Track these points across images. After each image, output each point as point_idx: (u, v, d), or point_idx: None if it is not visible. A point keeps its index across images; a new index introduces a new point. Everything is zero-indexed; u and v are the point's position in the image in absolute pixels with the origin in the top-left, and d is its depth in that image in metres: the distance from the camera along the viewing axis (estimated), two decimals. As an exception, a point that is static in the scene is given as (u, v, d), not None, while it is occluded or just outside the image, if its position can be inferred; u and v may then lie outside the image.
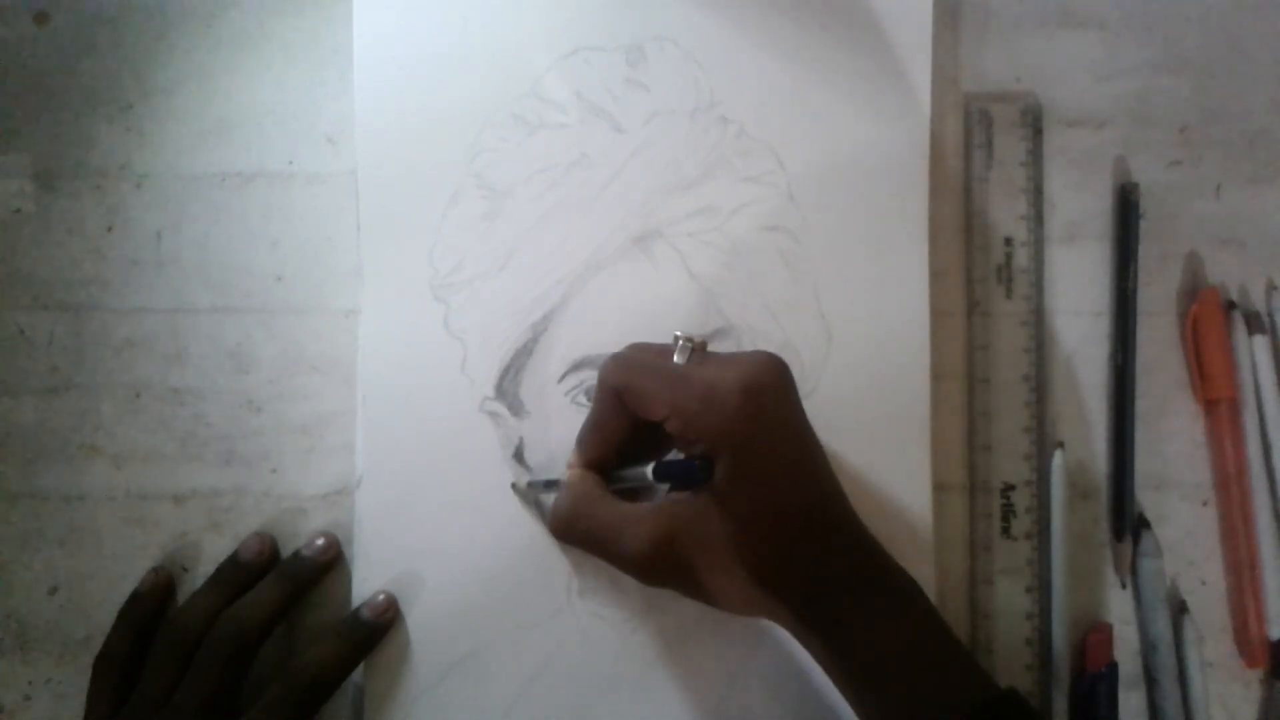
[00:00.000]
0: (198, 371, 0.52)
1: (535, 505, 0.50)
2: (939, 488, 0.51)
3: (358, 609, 0.49)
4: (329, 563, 0.50)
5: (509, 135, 0.51)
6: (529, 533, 0.50)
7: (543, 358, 0.51)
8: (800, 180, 0.51)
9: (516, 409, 0.51)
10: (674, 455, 0.47)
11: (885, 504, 0.50)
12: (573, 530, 0.47)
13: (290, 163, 0.53)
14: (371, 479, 0.50)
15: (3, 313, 0.52)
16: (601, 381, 0.46)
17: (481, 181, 0.51)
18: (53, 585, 0.51)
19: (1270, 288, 0.53)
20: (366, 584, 0.50)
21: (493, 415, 0.51)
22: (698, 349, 0.45)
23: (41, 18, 0.53)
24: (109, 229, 0.52)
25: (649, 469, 0.44)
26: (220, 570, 0.50)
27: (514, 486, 0.50)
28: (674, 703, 0.49)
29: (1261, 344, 0.52)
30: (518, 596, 0.50)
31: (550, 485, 0.49)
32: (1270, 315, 0.53)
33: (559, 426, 0.50)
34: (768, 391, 0.43)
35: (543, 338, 0.51)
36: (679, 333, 0.45)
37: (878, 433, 0.51)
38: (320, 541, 0.50)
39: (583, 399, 0.50)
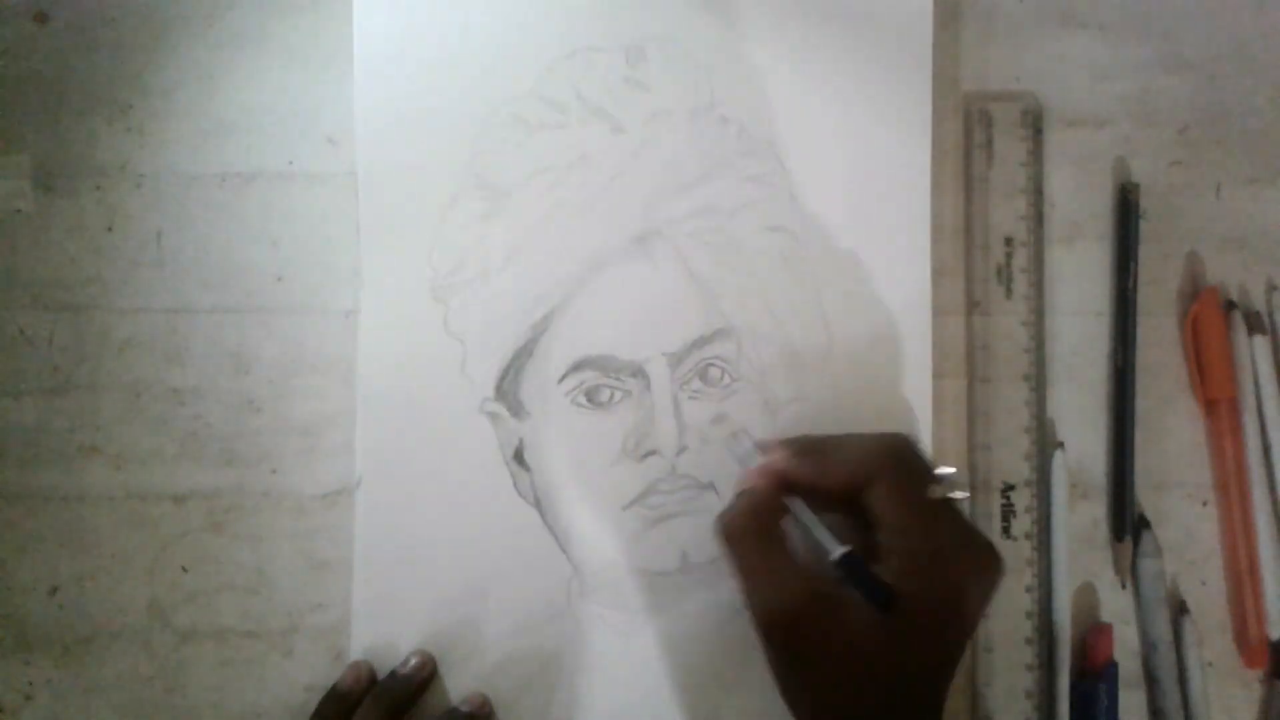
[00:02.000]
0: (198, 371, 0.52)
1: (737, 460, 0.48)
2: (939, 488, 0.51)
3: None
4: (425, 680, 0.49)
5: (509, 135, 0.51)
6: (529, 533, 0.50)
7: (543, 358, 0.51)
8: (801, 180, 0.51)
9: (516, 410, 0.51)
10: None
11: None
12: (732, 540, 0.44)
13: (290, 163, 0.53)
14: (371, 479, 0.50)
15: (3, 313, 0.52)
16: (866, 449, 0.44)
17: (481, 181, 0.51)
18: (53, 585, 0.51)
19: (1270, 288, 0.53)
20: (367, 584, 0.50)
21: (492, 416, 0.51)
22: (955, 498, 0.44)
23: (41, 18, 0.53)
24: (109, 229, 0.52)
25: (837, 551, 0.43)
26: (322, 705, 0.49)
27: (738, 434, 0.49)
28: (674, 703, 0.49)
29: (1261, 344, 0.52)
30: (518, 596, 0.50)
31: (745, 454, 0.47)
32: (1270, 315, 0.53)
33: (559, 428, 0.50)
34: (983, 582, 0.43)
35: (543, 338, 0.51)
36: (954, 469, 0.45)
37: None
38: (415, 660, 0.49)
39: (583, 400, 0.50)
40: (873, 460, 0.44)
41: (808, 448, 0.46)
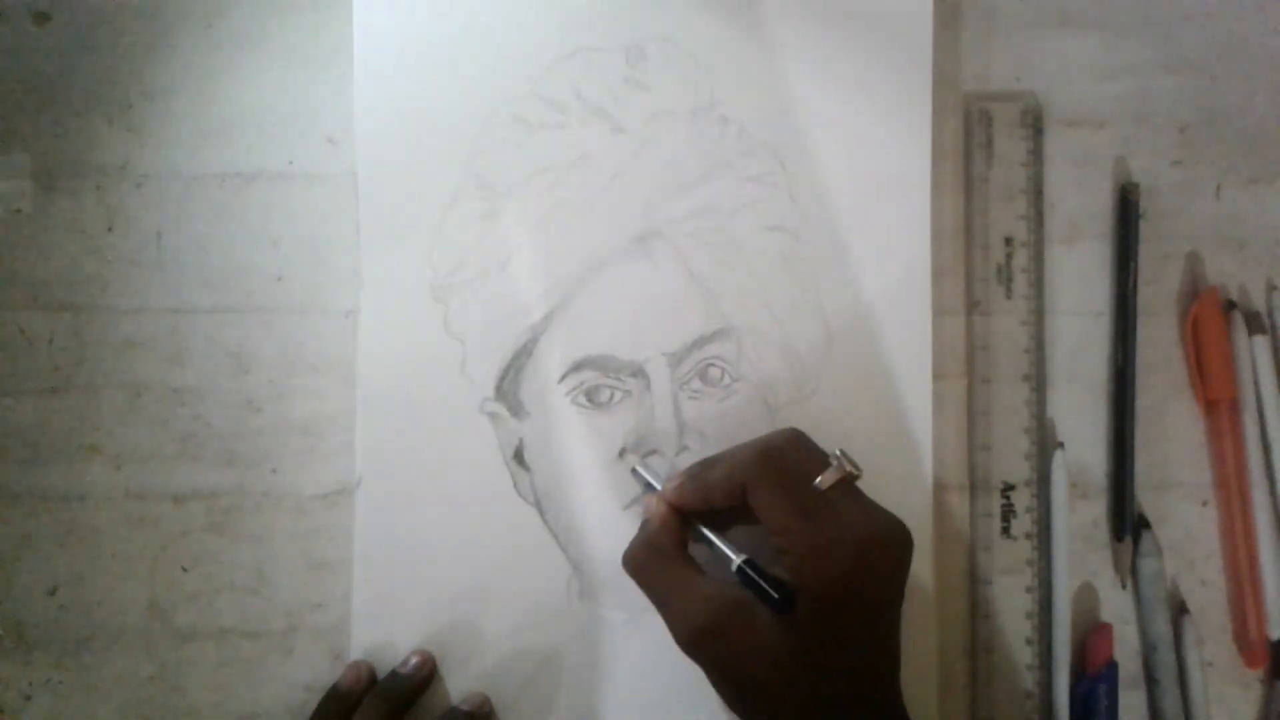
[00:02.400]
0: (198, 371, 0.52)
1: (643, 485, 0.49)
2: (939, 488, 0.51)
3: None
4: (425, 679, 0.49)
5: (509, 135, 0.51)
6: (529, 533, 0.50)
7: (543, 358, 0.51)
8: (801, 180, 0.51)
9: (516, 410, 0.51)
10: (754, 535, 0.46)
11: (885, 504, 0.50)
12: (637, 573, 0.46)
13: (290, 163, 0.53)
14: (371, 479, 0.50)
15: (3, 313, 0.52)
16: (738, 460, 0.45)
17: (481, 182, 0.51)
18: (53, 585, 0.51)
19: (1270, 288, 0.53)
20: (367, 584, 0.50)
21: (492, 416, 0.51)
22: (846, 479, 0.44)
23: (41, 18, 0.53)
24: (109, 229, 0.52)
25: (735, 561, 0.44)
26: (323, 704, 0.49)
27: (634, 470, 0.49)
28: (673, 703, 0.49)
29: (1261, 344, 0.52)
30: (518, 596, 0.50)
31: (647, 488, 0.48)
32: (1270, 315, 0.53)
33: (559, 428, 0.50)
34: (885, 564, 0.43)
35: (543, 338, 0.51)
36: (840, 451, 0.44)
37: (878, 433, 0.51)
38: (415, 660, 0.49)
39: (583, 400, 0.50)
40: (745, 468, 0.44)
41: (693, 470, 0.47)
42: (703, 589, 0.44)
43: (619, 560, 0.49)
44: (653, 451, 0.50)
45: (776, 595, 0.42)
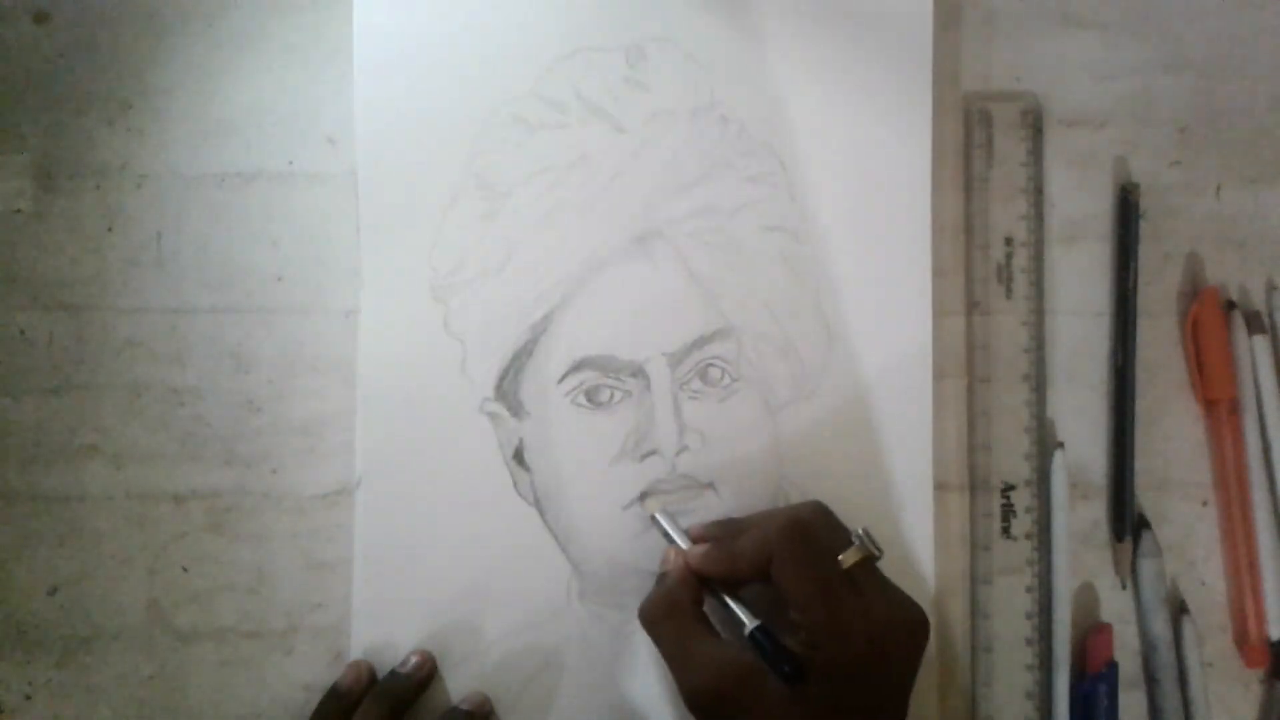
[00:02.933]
0: (198, 371, 0.52)
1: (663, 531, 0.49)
2: (939, 488, 0.51)
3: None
4: (425, 679, 0.49)
5: (509, 135, 0.51)
6: (529, 533, 0.50)
7: (543, 358, 0.51)
8: (801, 180, 0.51)
9: (516, 410, 0.51)
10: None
11: (885, 504, 0.50)
12: (651, 627, 0.47)
13: (290, 163, 0.52)
14: (371, 479, 0.50)
15: (3, 313, 0.52)
16: (765, 533, 0.45)
17: (481, 181, 0.51)
18: (53, 585, 0.51)
19: (1270, 288, 0.53)
20: (367, 584, 0.50)
21: (492, 416, 0.51)
22: (867, 559, 0.44)
23: (41, 18, 0.53)
24: (109, 229, 0.52)
25: (749, 626, 0.45)
26: (323, 704, 0.49)
27: (653, 517, 0.49)
28: (673, 703, 0.49)
29: (1261, 344, 0.52)
30: (518, 596, 0.50)
31: (666, 538, 0.49)
32: (1270, 315, 0.53)
33: (559, 428, 0.50)
34: (901, 649, 0.44)
35: (543, 338, 0.51)
36: (863, 531, 0.45)
37: (879, 433, 0.51)
38: (415, 659, 0.49)
39: (583, 400, 0.50)
40: (773, 541, 0.45)
41: (718, 535, 0.47)
42: (714, 652, 0.45)
43: (619, 560, 0.50)
44: (652, 452, 0.50)
45: (788, 668, 0.43)
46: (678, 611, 0.46)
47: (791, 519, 0.45)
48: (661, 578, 0.48)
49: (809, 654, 0.43)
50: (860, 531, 0.45)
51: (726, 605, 0.46)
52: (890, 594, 0.45)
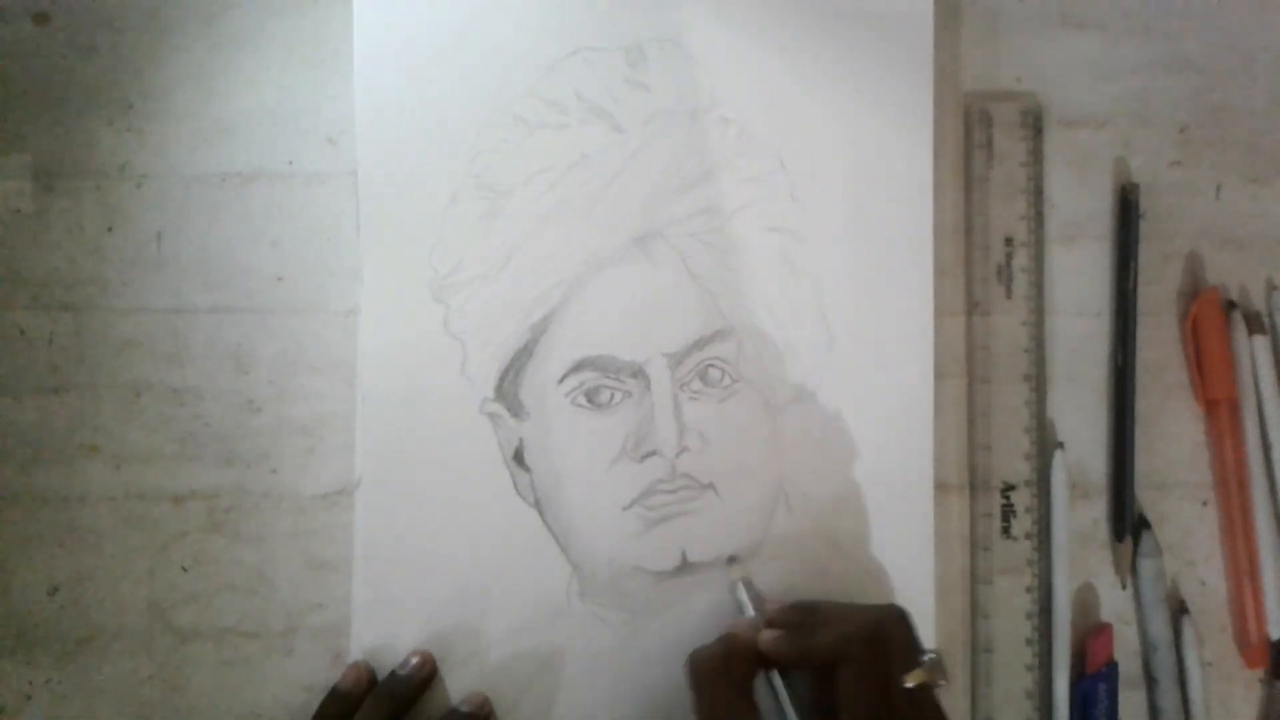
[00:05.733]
0: (198, 371, 0.52)
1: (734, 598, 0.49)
2: (939, 488, 0.51)
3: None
4: (425, 680, 0.49)
5: (509, 135, 0.51)
6: (529, 534, 0.50)
7: (543, 359, 0.51)
8: (802, 181, 0.51)
9: (516, 410, 0.51)
10: None
11: (885, 504, 0.50)
12: (698, 684, 0.45)
13: (290, 163, 0.52)
14: (371, 479, 0.50)
15: (3, 313, 0.52)
16: (843, 634, 0.44)
17: (481, 182, 0.51)
18: (53, 585, 0.51)
19: (1270, 288, 0.53)
20: (367, 584, 0.50)
21: (492, 416, 0.51)
22: (933, 682, 0.43)
23: (41, 18, 0.53)
24: (109, 229, 0.52)
25: None
26: (323, 705, 0.49)
27: (735, 584, 0.49)
28: (673, 703, 0.49)
29: (1261, 344, 0.52)
30: (518, 597, 0.50)
31: (741, 609, 0.48)
32: (1270, 315, 0.53)
33: (559, 428, 0.50)
34: None
35: (543, 339, 0.51)
36: (935, 653, 0.44)
37: (879, 433, 0.51)
38: (415, 660, 0.49)
39: (583, 400, 0.50)
40: (848, 643, 0.44)
41: (794, 621, 0.46)
42: None
43: (619, 560, 0.50)
44: (652, 452, 0.50)
45: None
46: (728, 681, 0.44)
47: (874, 627, 0.44)
48: (724, 637, 0.46)
49: None
50: (933, 653, 0.44)
51: (777, 697, 0.45)
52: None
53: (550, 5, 0.52)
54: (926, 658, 0.44)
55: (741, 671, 0.45)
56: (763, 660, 0.45)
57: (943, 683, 0.43)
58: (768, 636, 0.45)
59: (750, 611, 0.48)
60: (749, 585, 0.49)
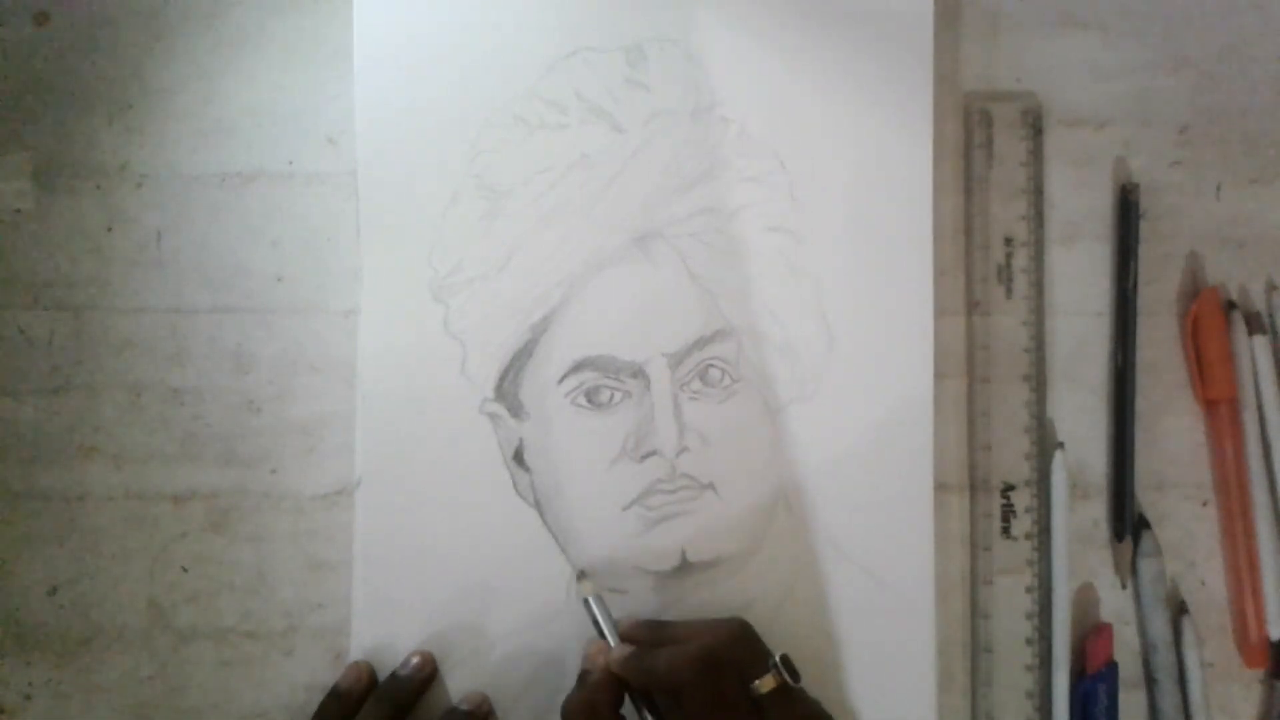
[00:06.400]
0: (198, 371, 0.52)
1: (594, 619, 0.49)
2: (939, 488, 0.51)
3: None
4: (426, 680, 0.49)
5: (509, 135, 0.51)
6: (529, 533, 0.50)
7: (543, 359, 0.51)
8: (802, 181, 0.51)
9: (516, 410, 0.51)
10: None
11: (885, 504, 0.50)
12: None
13: (290, 163, 0.53)
14: (371, 479, 0.50)
15: (3, 313, 0.52)
16: (678, 661, 0.45)
17: (481, 182, 0.51)
18: (53, 585, 0.51)
19: (1270, 288, 0.53)
20: (367, 584, 0.50)
21: (492, 416, 0.51)
22: (782, 688, 0.44)
23: (41, 18, 0.53)
24: (109, 229, 0.52)
25: None
26: (324, 706, 0.49)
27: (586, 601, 0.49)
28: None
29: (1261, 344, 0.52)
30: (518, 597, 0.50)
31: (595, 625, 0.48)
32: (1270, 315, 0.53)
33: (559, 428, 0.50)
34: None
35: (543, 339, 0.51)
36: (780, 659, 0.44)
37: (879, 433, 0.51)
38: (415, 660, 0.49)
39: (583, 400, 0.50)
40: (683, 671, 0.44)
41: (644, 639, 0.47)
42: None
43: (619, 561, 0.50)
44: (652, 452, 0.50)
45: None
46: (595, 713, 0.45)
47: (703, 652, 0.45)
48: (583, 676, 0.48)
49: None
50: (777, 659, 0.44)
51: (640, 711, 0.46)
52: (806, 716, 0.45)
53: (550, 5, 0.52)
54: (771, 663, 0.44)
55: (605, 703, 0.46)
56: (625, 685, 0.46)
57: (793, 682, 0.44)
58: (616, 657, 0.46)
59: (605, 626, 0.48)
60: (600, 604, 0.48)
